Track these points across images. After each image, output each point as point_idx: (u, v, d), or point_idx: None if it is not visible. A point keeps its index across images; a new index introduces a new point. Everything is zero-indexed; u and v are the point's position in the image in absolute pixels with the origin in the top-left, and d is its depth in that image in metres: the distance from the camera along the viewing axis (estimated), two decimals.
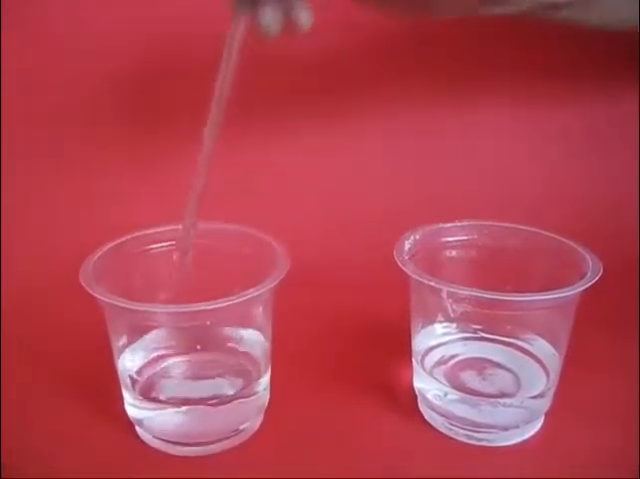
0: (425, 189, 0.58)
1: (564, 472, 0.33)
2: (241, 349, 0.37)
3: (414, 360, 0.37)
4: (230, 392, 0.35)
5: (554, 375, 0.35)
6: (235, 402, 0.35)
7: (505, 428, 0.35)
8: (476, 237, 0.39)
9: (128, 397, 0.35)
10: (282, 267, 0.33)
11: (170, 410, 0.34)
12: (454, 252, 0.39)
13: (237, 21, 0.31)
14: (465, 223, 0.39)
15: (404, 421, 0.37)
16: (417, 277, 0.33)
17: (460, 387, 0.36)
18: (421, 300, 0.36)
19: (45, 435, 0.36)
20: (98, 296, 0.31)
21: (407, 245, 0.36)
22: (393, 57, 0.56)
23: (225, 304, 0.30)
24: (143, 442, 0.35)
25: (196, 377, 0.37)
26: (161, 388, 0.36)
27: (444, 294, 0.34)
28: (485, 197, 0.57)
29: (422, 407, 0.37)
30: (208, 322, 0.33)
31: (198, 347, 0.37)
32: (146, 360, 0.36)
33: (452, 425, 0.35)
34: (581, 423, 0.36)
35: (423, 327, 0.37)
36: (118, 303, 0.30)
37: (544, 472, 0.33)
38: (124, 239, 0.36)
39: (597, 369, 0.40)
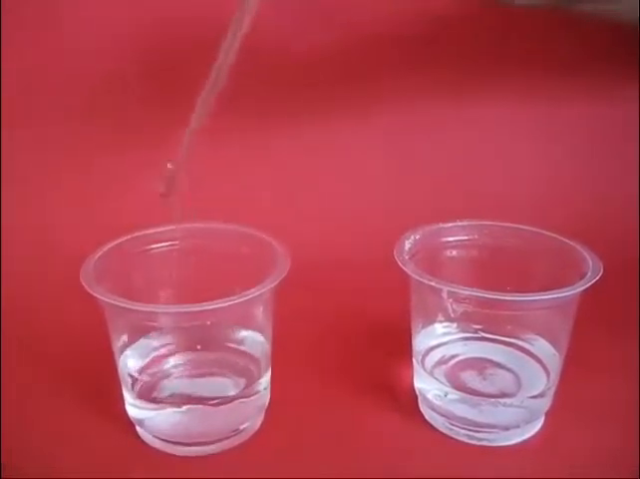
0: (425, 188, 0.58)
1: (564, 472, 0.33)
2: (242, 349, 0.37)
3: (414, 360, 0.37)
4: (231, 392, 0.35)
5: (555, 375, 0.35)
6: (236, 402, 0.35)
7: (506, 428, 0.35)
8: (476, 236, 0.39)
9: (128, 397, 0.35)
10: (282, 267, 0.33)
11: (171, 410, 0.34)
12: (454, 252, 0.39)
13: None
14: (465, 222, 0.39)
15: (404, 421, 0.37)
16: (417, 277, 0.33)
17: (460, 387, 0.36)
18: (421, 300, 0.36)
19: (45, 435, 0.36)
20: (98, 296, 0.31)
21: (407, 245, 0.36)
22: (393, 54, 0.56)
23: (226, 304, 0.30)
24: (143, 442, 0.35)
25: (197, 377, 0.37)
26: (162, 388, 0.36)
27: (444, 294, 0.34)
28: (486, 196, 0.57)
29: (422, 407, 0.37)
30: (209, 322, 0.33)
31: (199, 347, 0.37)
32: (146, 360, 0.36)
33: (452, 425, 0.35)
34: (581, 423, 0.36)
35: (423, 327, 0.37)
36: (118, 303, 0.30)
37: (544, 472, 0.33)
38: (124, 238, 0.36)
39: (597, 369, 0.40)
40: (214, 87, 0.33)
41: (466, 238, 0.39)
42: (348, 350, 0.43)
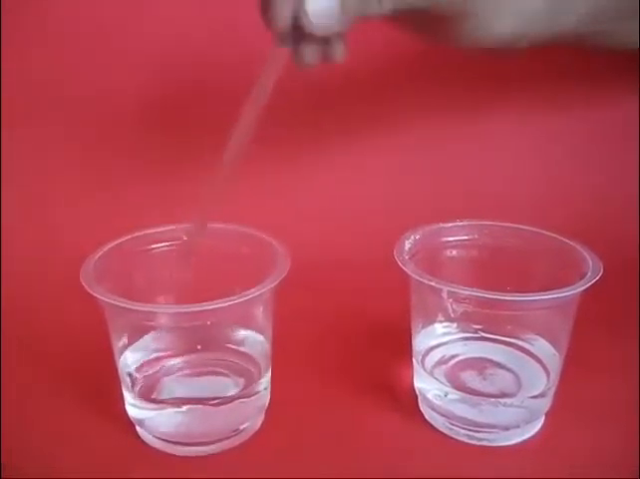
0: (425, 188, 0.58)
1: (564, 472, 0.33)
2: (242, 349, 0.37)
3: (414, 360, 0.37)
4: (231, 392, 0.35)
5: (555, 375, 0.35)
6: (236, 402, 0.35)
7: (506, 428, 0.35)
8: (476, 236, 0.39)
9: (128, 397, 0.35)
10: (283, 267, 0.33)
11: (171, 410, 0.34)
12: (454, 252, 0.39)
13: (278, 53, 0.32)
14: (465, 222, 0.39)
15: (404, 421, 0.37)
16: (417, 277, 0.33)
17: (460, 387, 0.36)
18: (421, 300, 0.36)
19: (45, 435, 0.36)
20: (98, 296, 0.31)
21: (407, 245, 0.36)
22: (397, 61, 0.56)
23: (226, 304, 0.30)
24: (143, 442, 0.35)
25: (197, 377, 0.37)
26: (162, 388, 0.36)
27: (444, 294, 0.34)
28: (486, 196, 0.57)
29: (422, 407, 0.37)
30: (209, 322, 0.33)
31: (199, 347, 0.37)
32: (146, 360, 0.36)
33: (452, 425, 0.35)
34: (581, 423, 0.36)
35: (423, 327, 0.37)
36: (118, 303, 0.30)
37: (544, 472, 0.33)
38: (124, 238, 0.36)
39: (597, 369, 0.40)
40: (246, 133, 0.33)
41: (466, 237, 0.39)
42: (348, 350, 0.43)
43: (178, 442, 0.34)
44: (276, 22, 0.30)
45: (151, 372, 0.36)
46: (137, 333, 0.35)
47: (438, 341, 0.38)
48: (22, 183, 0.56)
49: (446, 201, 0.57)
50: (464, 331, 0.38)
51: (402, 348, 0.38)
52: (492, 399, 0.35)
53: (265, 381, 0.36)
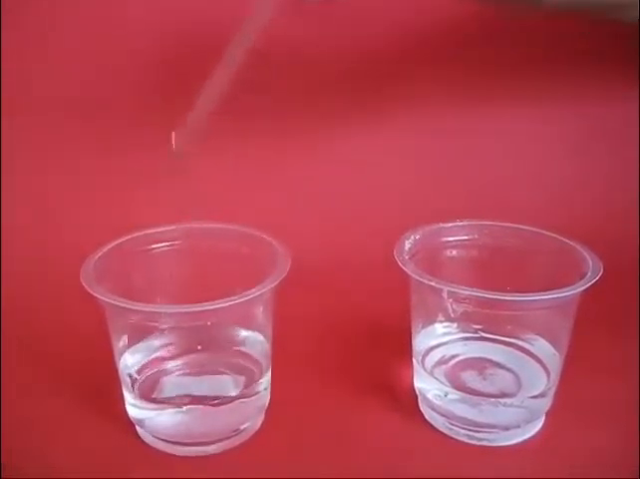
0: (425, 188, 0.58)
1: (564, 472, 0.33)
2: (242, 349, 0.37)
3: (414, 360, 0.37)
4: (231, 392, 0.35)
5: (555, 375, 0.35)
6: (236, 402, 0.35)
7: (506, 428, 0.35)
8: (476, 236, 0.39)
9: (128, 397, 0.35)
10: (283, 267, 0.33)
11: (171, 410, 0.34)
12: (454, 252, 0.39)
13: None
14: (465, 222, 0.39)
15: (404, 421, 0.37)
16: (417, 277, 0.33)
17: (460, 387, 0.36)
18: (421, 300, 0.36)
19: (45, 435, 0.36)
20: (98, 296, 0.31)
21: (407, 245, 0.36)
22: (398, 62, 0.56)
23: (226, 304, 0.30)
24: (143, 442, 0.35)
25: (197, 377, 0.37)
26: (162, 388, 0.36)
27: (444, 294, 0.34)
28: (486, 196, 0.57)
29: (422, 407, 0.37)
30: (209, 322, 0.33)
31: (199, 347, 0.37)
32: (146, 360, 0.36)
33: (452, 425, 0.35)
34: (581, 423, 0.36)
35: (423, 327, 0.37)
36: (118, 303, 0.30)
37: (545, 472, 0.33)
38: (124, 238, 0.36)
39: (597, 369, 0.40)
40: (231, 62, 0.33)
41: (466, 237, 0.39)
42: (348, 350, 0.43)
43: (178, 442, 0.34)
44: None
45: (151, 372, 0.36)
46: (137, 333, 0.35)
47: (438, 341, 0.38)
48: (22, 183, 0.56)
49: (446, 201, 0.57)
50: (464, 331, 0.38)
51: (402, 348, 0.38)
52: (492, 399, 0.35)
53: (265, 381, 0.36)
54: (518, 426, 0.35)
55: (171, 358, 0.37)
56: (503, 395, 0.35)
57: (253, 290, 0.31)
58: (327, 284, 0.51)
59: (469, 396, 0.35)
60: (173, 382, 0.37)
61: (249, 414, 0.35)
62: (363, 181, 0.59)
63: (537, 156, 0.60)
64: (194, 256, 0.37)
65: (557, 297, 0.31)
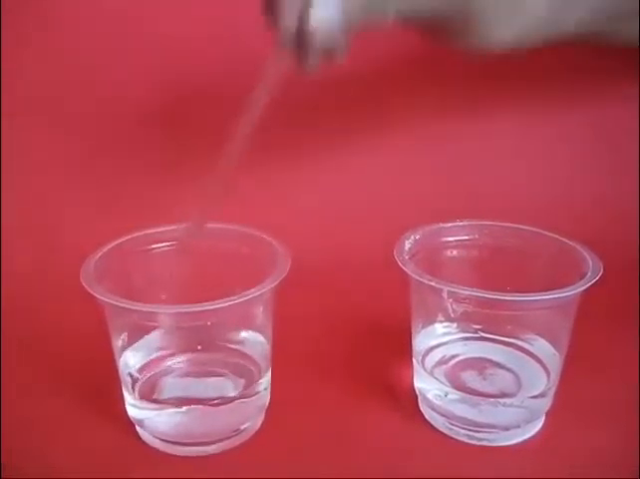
0: (425, 188, 0.58)
1: (564, 472, 0.33)
2: (242, 349, 0.37)
3: (414, 360, 0.37)
4: (231, 392, 0.35)
5: (555, 375, 0.35)
6: (236, 402, 0.35)
7: (506, 428, 0.35)
8: (476, 236, 0.39)
9: (128, 397, 0.35)
10: (283, 267, 0.33)
11: (171, 410, 0.34)
12: (454, 252, 0.39)
13: (280, 57, 0.31)
14: (465, 222, 0.39)
15: (404, 421, 0.37)
16: (417, 277, 0.33)
17: (460, 387, 0.36)
18: (421, 300, 0.36)
19: (45, 435, 0.36)
20: (98, 296, 0.31)
21: (407, 245, 0.36)
22: (397, 61, 0.56)
23: (226, 304, 0.30)
24: (143, 442, 0.35)
25: (197, 377, 0.37)
26: (162, 388, 0.36)
27: (444, 294, 0.34)
28: (486, 196, 0.57)
29: (422, 407, 0.37)
30: (209, 323, 0.33)
31: (199, 347, 0.37)
32: (146, 360, 0.36)
33: (452, 425, 0.35)
34: (581, 423, 0.36)
35: (423, 327, 0.37)
36: (118, 303, 0.30)
37: (545, 472, 0.33)
38: (124, 238, 0.36)
39: (597, 369, 0.40)
40: (240, 143, 0.33)
41: (466, 237, 0.39)
42: (348, 351, 0.43)
43: (178, 442, 0.34)
44: (282, 22, 0.30)
45: (151, 372, 0.36)
46: (137, 333, 0.35)
47: (438, 341, 0.38)
48: (22, 183, 0.56)
49: (446, 201, 0.57)
50: (464, 331, 0.38)
51: (402, 348, 0.38)
52: (492, 399, 0.35)
53: (265, 381, 0.36)
54: (518, 426, 0.35)
55: (171, 358, 0.37)
56: (503, 395, 0.35)
57: (253, 290, 0.31)
58: (327, 284, 0.51)
59: (468, 396, 0.35)
60: (173, 382, 0.37)
61: (249, 414, 0.35)
62: (363, 181, 0.59)
63: (537, 156, 0.59)
64: (194, 256, 0.37)
65: (557, 297, 0.31)
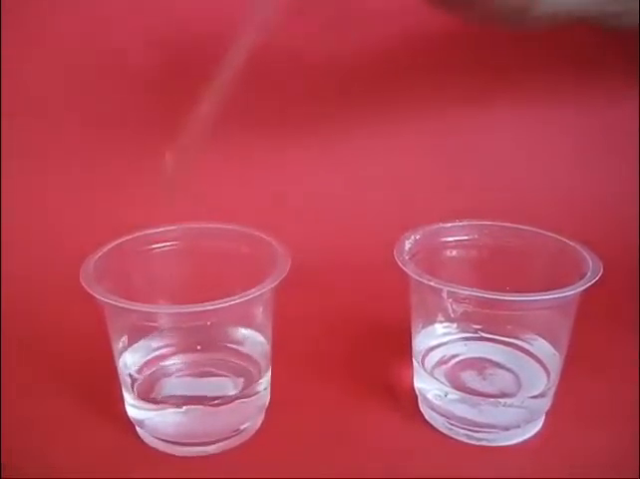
0: (425, 189, 0.58)
1: (564, 472, 0.33)
2: (242, 349, 0.37)
3: (414, 360, 0.37)
4: (231, 392, 0.35)
5: (555, 375, 0.35)
6: (236, 402, 0.35)
7: (506, 428, 0.35)
8: (476, 236, 0.39)
9: (128, 398, 0.35)
10: (283, 267, 0.33)
11: (171, 410, 0.34)
12: (454, 252, 0.39)
13: (257, 11, 0.31)
14: (465, 222, 0.39)
15: (404, 421, 0.37)
16: (417, 277, 0.33)
17: (460, 387, 0.36)
18: (421, 300, 0.36)
19: (45, 435, 0.36)
20: (98, 296, 0.31)
21: (407, 245, 0.36)
22: (396, 61, 0.56)
23: (226, 304, 0.30)
24: (143, 442, 0.35)
25: (197, 377, 0.37)
26: (162, 388, 0.36)
27: (444, 294, 0.34)
28: (486, 196, 0.57)
29: (422, 407, 0.37)
30: (209, 323, 0.33)
31: (199, 347, 0.37)
32: (146, 360, 0.36)
33: (452, 425, 0.35)
34: (581, 423, 0.36)
35: (423, 327, 0.37)
36: (118, 304, 0.30)
37: (545, 472, 0.33)
38: (124, 239, 0.36)
39: (597, 369, 0.40)
40: (225, 78, 0.33)
41: (466, 237, 0.39)
42: (348, 350, 0.43)
43: (178, 442, 0.34)
44: None
45: (150, 373, 0.36)
46: (137, 334, 0.35)
47: (438, 341, 0.38)
48: (22, 183, 0.56)
49: (446, 201, 0.57)
50: (464, 331, 0.38)
51: (402, 348, 0.38)
52: (492, 399, 0.35)
53: (265, 381, 0.36)
54: (518, 426, 0.35)
55: (171, 358, 0.37)
56: (503, 395, 0.35)
57: (253, 290, 0.31)
58: (327, 284, 0.51)
59: (468, 396, 0.35)
60: (173, 382, 0.37)
61: (249, 414, 0.35)
62: (363, 181, 0.59)
63: (537, 156, 0.60)
64: (194, 256, 0.37)
65: (557, 297, 0.31)
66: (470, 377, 0.37)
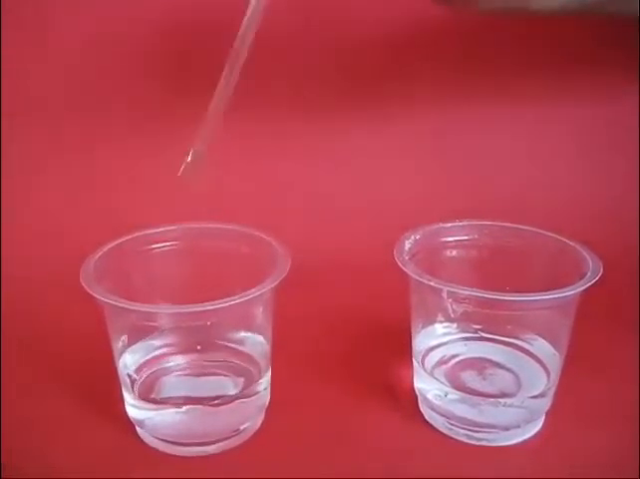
0: (425, 189, 0.58)
1: (564, 472, 0.33)
2: (242, 349, 0.37)
3: (414, 360, 0.37)
4: (231, 392, 0.35)
5: (555, 375, 0.35)
6: (236, 402, 0.35)
7: (506, 428, 0.35)
8: (476, 236, 0.39)
9: (128, 398, 0.35)
10: (283, 267, 0.33)
11: (171, 410, 0.34)
12: (454, 252, 0.39)
13: None
14: (465, 222, 0.39)
15: (404, 421, 0.37)
16: (417, 277, 0.33)
17: (460, 387, 0.36)
18: (421, 300, 0.36)
19: (45, 435, 0.36)
20: (98, 297, 0.31)
21: (407, 245, 0.36)
22: (398, 54, 0.56)
23: (226, 305, 0.30)
24: (143, 442, 0.35)
25: (197, 377, 0.37)
26: (162, 388, 0.36)
27: (444, 294, 0.34)
28: (486, 196, 0.57)
29: (422, 407, 0.37)
30: (209, 323, 0.33)
31: (199, 347, 0.37)
32: (146, 360, 0.36)
33: (452, 425, 0.35)
34: (581, 423, 0.36)
35: (423, 327, 0.37)
36: (118, 304, 0.30)
37: (545, 472, 0.33)
38: (124, 239, 0.36)
39: (597, 369, 0.40)
40: (233, 74, 0.33)
41: (466, 238, 0.39)
42: (348, 350, 0.43)
43: (178, 442, 0.34)
44: None
45: (150, 372, 0.36)
46: (136, 334, 0.35)
47: (438, 341, 0.38)
48: (22, 183, 0.56)
49: (446, 200, 0.57)
50: (464, 331, 0.38)
51: (402, 348, 0.38)
52: (492, 399, 0.35)
53: (265, 381, 0.36)
54: (518, 426, 0.35)
55: (171, 358, 0.37)
56: (503, 395, 0.35)
57: (253, 291, 0.31)
58: (327, 285, 0.51)
59: (468, 396, 0.35)
60: (173, 382, 0.37)
61: (249, 414, 0.35)
62: (363, 181, 0.59)
63: (537, 156, 0.59)
64: (194, 256, 0.37)
65: (557, 297, 0.31)
66: (470, 377, 0.37)
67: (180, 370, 0.37)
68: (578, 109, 0.58)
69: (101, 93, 0.56)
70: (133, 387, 0.35)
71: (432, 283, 0.32)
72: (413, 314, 0.37)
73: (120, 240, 0.36)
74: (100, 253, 0.35)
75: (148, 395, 0.35)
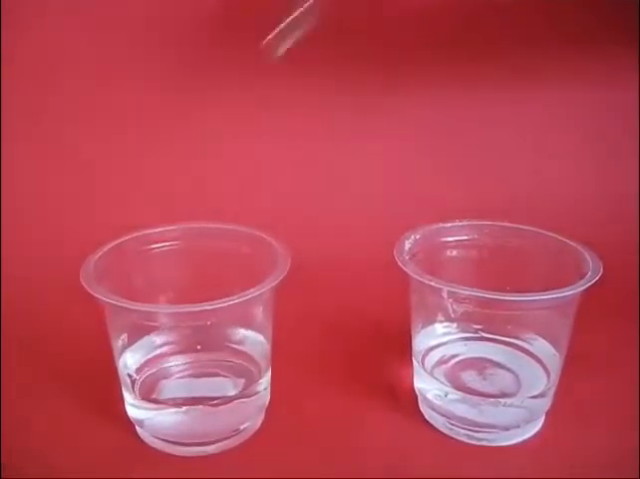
0: (425, 189, 0.58)
1: (564, 472, 0.33)
2: (242, 349, 0.37)
3: (414, 360, 0.37)
4: (231, 392, 0.35)
5: (555, 375, 0.35)
6: (236, 402, 0.35)
7: (506, 428, 0.35)
8: (476, 236, 0.39)
9: (128, 398, 0.35)
10: (283, 267, 0.33)
11: (171, 410, 0.34)
12: (454, 252, 0.39)
13: None
14: (465, 222, 0.39)
15: (404, 421, 0.37)
16: (417, 277, 0.33)
17: (460, 387, 0.36)
18: (421, 300, 0.36)
19: (45, 435, 0.36)
20: (98, 296, 0.31)
21: (407, 245, 0.36)
22: (396, 48, 0.56)
23: (226, 304, 0.30)
24: (143, 442, 0.35)
25: (197, 377, 0.37)
26: (162, 388, 0.36)
27: (444, 294, 0.34)
28: (486, 196, 0.57)
29: (422, 407, 0.37)
30: (209, 322, 0.33)
31: (199, 347, 0.37)
32: (146, 360, 0.36)
33: (452, 425, 0.35)
34: (581, 423, 0.36)
35: (423, 327, 0.37)
36: (118, 303, 0.30)
37: (545, 472, 0.33)
38: (124, 238, 0.36)
39: (597, 369, 0.40)
40: None
41: (466, 238, 0.39)
42: (348, 350, 0.43)
43: (178, 442, 0.34)
44: None
45: (150, 372, 0.36)
46: (136, 333, 0.35)
47: (438, 341, 0.38)
48: (22, 183, 0.56)
49: (446, 200, 0.57)
50: (464, 331, 0.38)
51: (402, 348, 0.38)
52: (492, 399, 0.35)
53: (265, 381, 0.36)
54: (518, 426, 0.35)
55: (171, 358, 0.37)
56: (503, 395, 0.35)
57: (253, 290, 0.31)
58: (327, 284, 0.51)
59: (469, 396, 0.35)
60: (173, 382, 0.37)
61: (249, 414, 0.35)
62: (363, 180, 0.59)
63: (537, 156, 0.59)
64: (194, 256, 0.37)
65: (557, 297, 0.31)
66: (470, 377, 0.37)
67: (181, 370, 0.37)
68: (578, 110, 0.58)
69: (101, 93, 0.56)
70: (133, 387, 0.35)
71: (432, 283, 0.32)
72: (413, 314, 0.37)
73: (120, 240, 0.36)
74: (100, 253, 0.35)
75: (148, 395, 0.35)
